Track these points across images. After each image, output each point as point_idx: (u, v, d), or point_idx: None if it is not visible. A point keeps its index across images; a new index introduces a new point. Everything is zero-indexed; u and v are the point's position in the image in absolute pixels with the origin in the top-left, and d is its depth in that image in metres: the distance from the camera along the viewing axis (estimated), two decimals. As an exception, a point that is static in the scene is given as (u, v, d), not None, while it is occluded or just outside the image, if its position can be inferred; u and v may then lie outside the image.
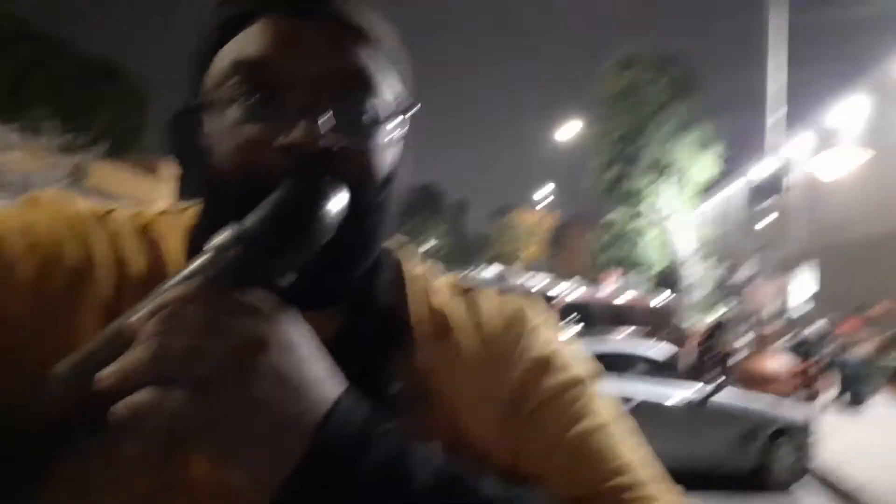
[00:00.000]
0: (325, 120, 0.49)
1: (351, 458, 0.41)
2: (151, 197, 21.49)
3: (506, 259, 44.33)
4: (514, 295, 0.65)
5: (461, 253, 46.68)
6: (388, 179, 0.55)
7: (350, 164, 0.51)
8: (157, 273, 0.53)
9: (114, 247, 0.55)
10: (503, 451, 0.55)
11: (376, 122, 0.53)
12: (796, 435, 5.73)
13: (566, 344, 0.62)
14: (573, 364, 0.60)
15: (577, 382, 0.58)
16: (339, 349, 0.50)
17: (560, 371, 0.58)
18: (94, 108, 17.48)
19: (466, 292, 0.63)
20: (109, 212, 0.58)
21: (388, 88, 0.54)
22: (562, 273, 31.82)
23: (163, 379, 0.37)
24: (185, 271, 0.42)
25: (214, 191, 0.53)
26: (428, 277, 0.63)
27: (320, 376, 0.43)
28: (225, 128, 0.51)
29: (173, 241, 0.57)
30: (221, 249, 0.42)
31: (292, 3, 0.52)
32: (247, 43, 0.51)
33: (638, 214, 18.10)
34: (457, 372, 0.57)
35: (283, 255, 0.44)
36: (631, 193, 17.65)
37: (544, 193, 47.00)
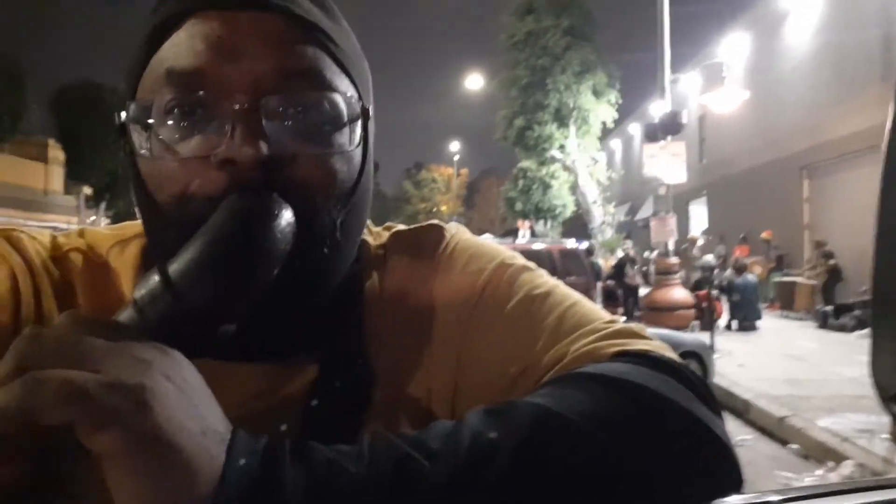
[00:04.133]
0: (269, 127, 0.44)
1: None
2: (39, 181, 19.92)
3: (426, 216, 44.38)
4: (420, 226, 0.62)
5: (382, 213, 46.37)
6: (349, 193, 0.48)
7: (299, 176, 0.44)
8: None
9: (65, 298, 0.50)
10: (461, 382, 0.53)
11: (329, 127, 0.47)
12: (700, 355, 6.16)
13: (481, 244, 0.60)
14: (495, 255, 0.58)
15: (504, 266, 0.56)
16: (318, 407, 0.46)
17: (485, 267, 0.56)
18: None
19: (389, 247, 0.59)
20: (61, 252, 0.52)
21: (341, 88, 0.48)
22: (477, 228, 32.21)
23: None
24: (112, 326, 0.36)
25: (153, 221, 0.47)
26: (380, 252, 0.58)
27: (196, 439, 0.33)
28: (161, 146, 0.45)
29: (126, 277, 0.52)
30: (148, 301, 0.37)
31: None
32: (178, 48, 0.45)
33: (547, 161, 18.51)
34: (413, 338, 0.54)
35: (221, 303, 0.37)
36: (540, 140, 17.97)
37: (454, 150, 47.06)
